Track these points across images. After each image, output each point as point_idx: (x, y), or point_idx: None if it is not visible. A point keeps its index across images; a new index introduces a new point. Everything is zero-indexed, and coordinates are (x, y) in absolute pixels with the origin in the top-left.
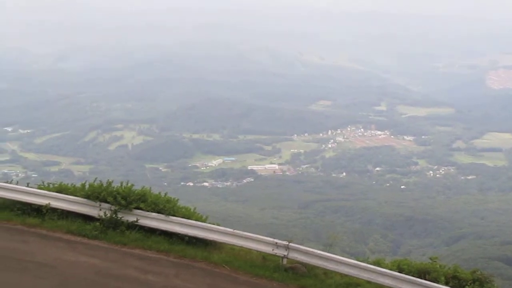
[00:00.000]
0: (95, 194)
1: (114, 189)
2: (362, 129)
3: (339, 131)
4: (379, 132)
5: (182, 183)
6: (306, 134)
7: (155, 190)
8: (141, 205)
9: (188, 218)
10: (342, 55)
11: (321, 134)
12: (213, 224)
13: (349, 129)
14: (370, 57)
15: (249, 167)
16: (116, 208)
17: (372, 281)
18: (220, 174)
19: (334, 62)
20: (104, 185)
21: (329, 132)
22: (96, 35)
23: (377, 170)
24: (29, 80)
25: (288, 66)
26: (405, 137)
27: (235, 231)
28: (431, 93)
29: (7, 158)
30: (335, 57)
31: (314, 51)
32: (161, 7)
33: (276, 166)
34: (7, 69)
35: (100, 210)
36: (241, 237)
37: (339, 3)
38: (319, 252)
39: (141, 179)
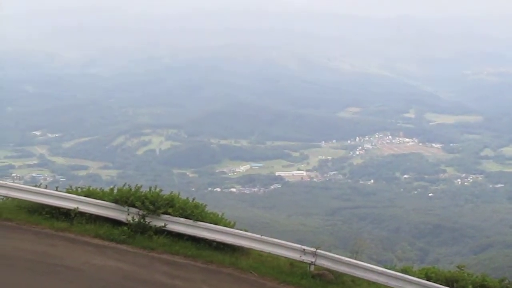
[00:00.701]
0: (123, 198)
1: (143, 194)
2: (390, 136)
3: (367, 138)
4: (407, 139)
5: (209, 189)
6: (334, 141)
7: (182, 195)
8: (169, 210)
9: (216, 224)
10: (371, 61)
11: (349, 141)
12: (241, 230)
13: (377, 136)
14: (399, 63)
15: (277, 173)
16: (144, 213)
17: None
18: (247, 180)
19: (363, 69)
20: (133, 190)
21: (357, 139)
22: (125, 40)
23: (404, 178)
24: (58, 84)
25: (317, 72)
26: (433, 144)
27: (262, 237)
28: (459, 100)
29: (36, 162)
30: (364, 63)
31: (343, 57)
32: (189, 11)
33: (304, 173)
34: (36, 72)
35: (128, 214)
36: (268, 243)
37: (367, 8)
38: (346, 259)
39: (169, 184)
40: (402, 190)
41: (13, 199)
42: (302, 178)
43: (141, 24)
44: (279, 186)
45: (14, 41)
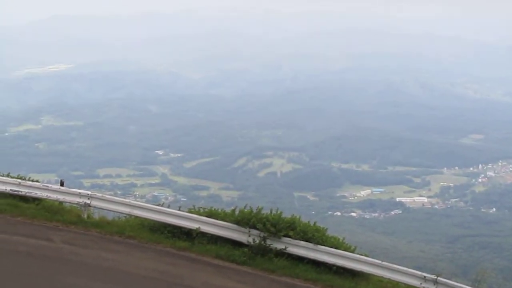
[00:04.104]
0: (245, 220)
1: (264, 216)
2: None
3: (490, 166)
4: None
5: (329, 212)
6: (456, 168)
7: (303, 219)
8: (290, 233)
9: (337, 248)
10: (496, 88)
11: (471, 168)
12: (361, 255)
13: (500, 163)
14: None
15: (398, 199)
16: (266, 235)
17: None
18: (368, 204)
19: (487, 95)
20: (254, 211)
21: (480, 167)
22: (246, 62)
23: None
24: (180, 104)
25: (439, 98)
26: None
27: (383, 262)
28: None
29: (158, 181)
30: (488, 90)
31: (466, 83)
32: (307, 35)
33: (425, 199)
34: (161, 93)
35: (249, 236)
36: (389, 269)
37: (481, 32)
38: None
39: (289, 206)
40: None
41: (136, 217)
42: (423, 204)
43: (260, 48)
44: (400, 211)
45: (142, 62)
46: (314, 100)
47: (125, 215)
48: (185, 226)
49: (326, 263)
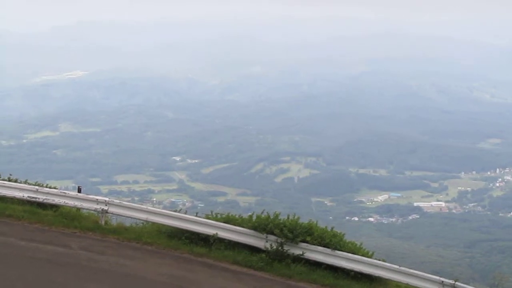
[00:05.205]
0: (262, 226)
1: (281, 222)
2: None
3: (507, 170)
4: None
5: (347, 218)
6: (473, 172)
7: (320, 224)
8: (307, 239)
9: (354, 253)
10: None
11: (488, 173)
12: (379, 260)
13: None
14: None
15: (415, 204)
16: (283, 240)
17: None
18: (385, 209)
19: (505, 99)
20: (271, 217)
21: (498, 171)
22: (263, 67)
23: None
24: (198, 111)
25: (456, 102)
26: None
27: (400, 267)
28: None
29: (175, 187)
30: (505, 94)
31: (483, 87)
32: (325, 39)
33: (443, 204)
34: (177, 99)
35: (267, 242)
36: (406, 274)
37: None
38: None
39: (306, 212)
40: None
41: (153, 223)
42: (440, 209)
43: (280, 53)
44: (417, 216)
45: (159, 68)
46: (331, 105)
47: (142, 221)
48: (203, 232)
49: (344, 269)
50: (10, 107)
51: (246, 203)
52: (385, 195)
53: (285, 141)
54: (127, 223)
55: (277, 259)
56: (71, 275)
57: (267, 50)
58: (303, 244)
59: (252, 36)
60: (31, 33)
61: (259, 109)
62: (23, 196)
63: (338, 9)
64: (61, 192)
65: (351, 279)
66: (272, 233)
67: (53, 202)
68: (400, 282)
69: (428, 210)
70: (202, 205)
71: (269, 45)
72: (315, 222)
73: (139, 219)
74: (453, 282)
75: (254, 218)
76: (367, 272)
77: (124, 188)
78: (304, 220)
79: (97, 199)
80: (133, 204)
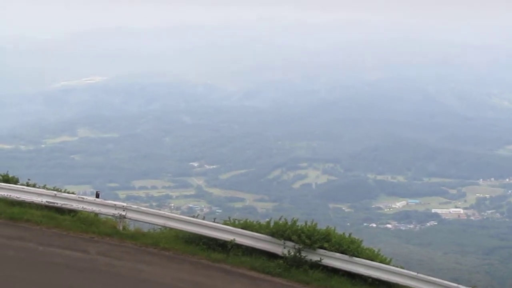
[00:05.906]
0: (279, 232)
1: (299, 228)
2: None
3: None
4: None
5: (364, 224)
6: (492, 179)
7: (338, 230)
8: (325, 245)
9: (372, 260)
10: None
11: (507, 179)
12: (397, 267)
13: None
14: None
15: (433, 210)
16: (300, 246)
17: None
18: (403, 216)
19: None
20: (289, 223)
21: None
22: (281, 73)
23: None
24: (215, 116)
25: (475, 108)
26: None
27: (418, 274)
28: None
29: (193, 192)
30: None
31: (503, 94)
32: (343, 44)
33: (461, 210)
34: (196, 105)
35: (284, 248)
36: (424, 281)
37: None
38: None
39: (324, 218)
40: None
41: (171, 229)
42: (459, 216)
43: (297, 58)
44: (435, 223)
45: (177, 74)
46: (350, 110)
47: (160, 227)
48: (220, 237)
49: (361, 275)
50: (30, 112)
51: (264, 209)
52: (403, 202)
53: (303, 147)
54: (145, 229)
55: (294, 266)
56: (89, 280)
57: (286, 54)
58: (321, 251)
59: (271, 41)
60: (47, 38)
61: (277, 115)
62: (42, 201)
63: (355, 14)
64: (79, 197)
65: (368, 286)
66: (290, 239)
67: (71, 207)
68: None
69: (446, 217)
70: (220, 211)
71: (288, 49)
72: (332, 228)
73: (156, 224)
74: None
75: (271, 224)
76: (385, 279)
77: (142, 193)
78: (321, 226)
79: (115, 205)
80: (151, 210)
